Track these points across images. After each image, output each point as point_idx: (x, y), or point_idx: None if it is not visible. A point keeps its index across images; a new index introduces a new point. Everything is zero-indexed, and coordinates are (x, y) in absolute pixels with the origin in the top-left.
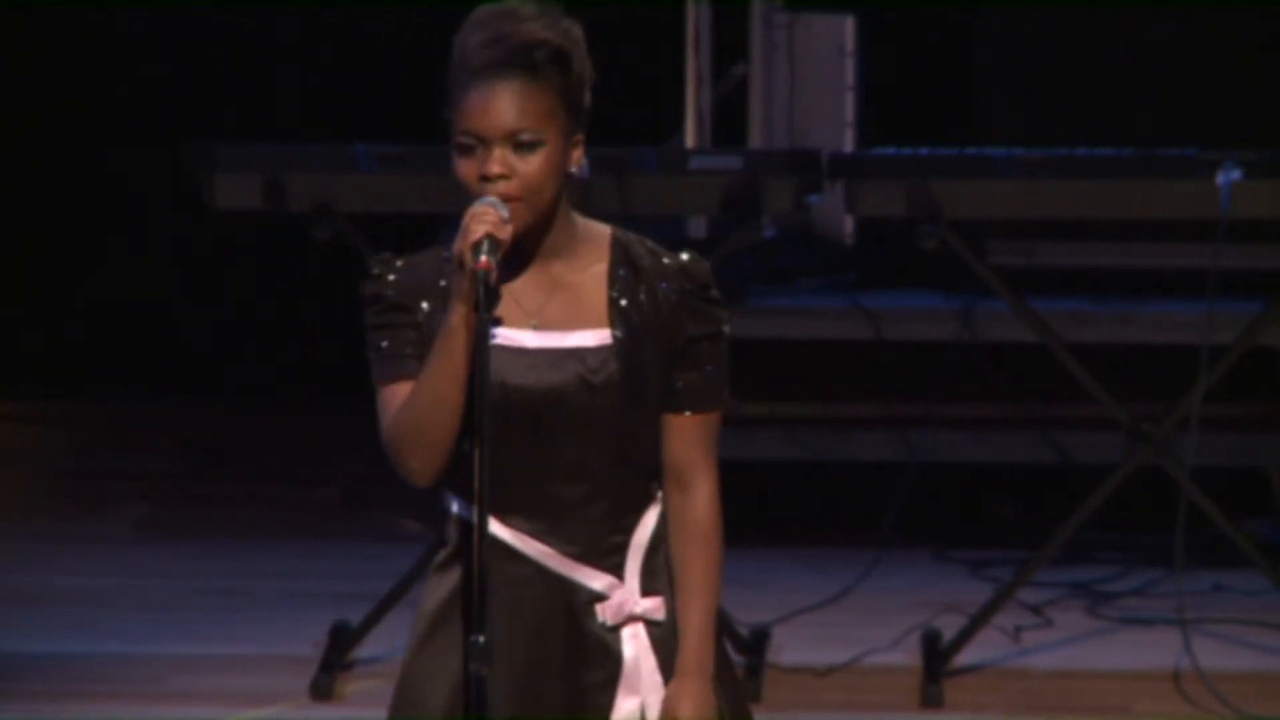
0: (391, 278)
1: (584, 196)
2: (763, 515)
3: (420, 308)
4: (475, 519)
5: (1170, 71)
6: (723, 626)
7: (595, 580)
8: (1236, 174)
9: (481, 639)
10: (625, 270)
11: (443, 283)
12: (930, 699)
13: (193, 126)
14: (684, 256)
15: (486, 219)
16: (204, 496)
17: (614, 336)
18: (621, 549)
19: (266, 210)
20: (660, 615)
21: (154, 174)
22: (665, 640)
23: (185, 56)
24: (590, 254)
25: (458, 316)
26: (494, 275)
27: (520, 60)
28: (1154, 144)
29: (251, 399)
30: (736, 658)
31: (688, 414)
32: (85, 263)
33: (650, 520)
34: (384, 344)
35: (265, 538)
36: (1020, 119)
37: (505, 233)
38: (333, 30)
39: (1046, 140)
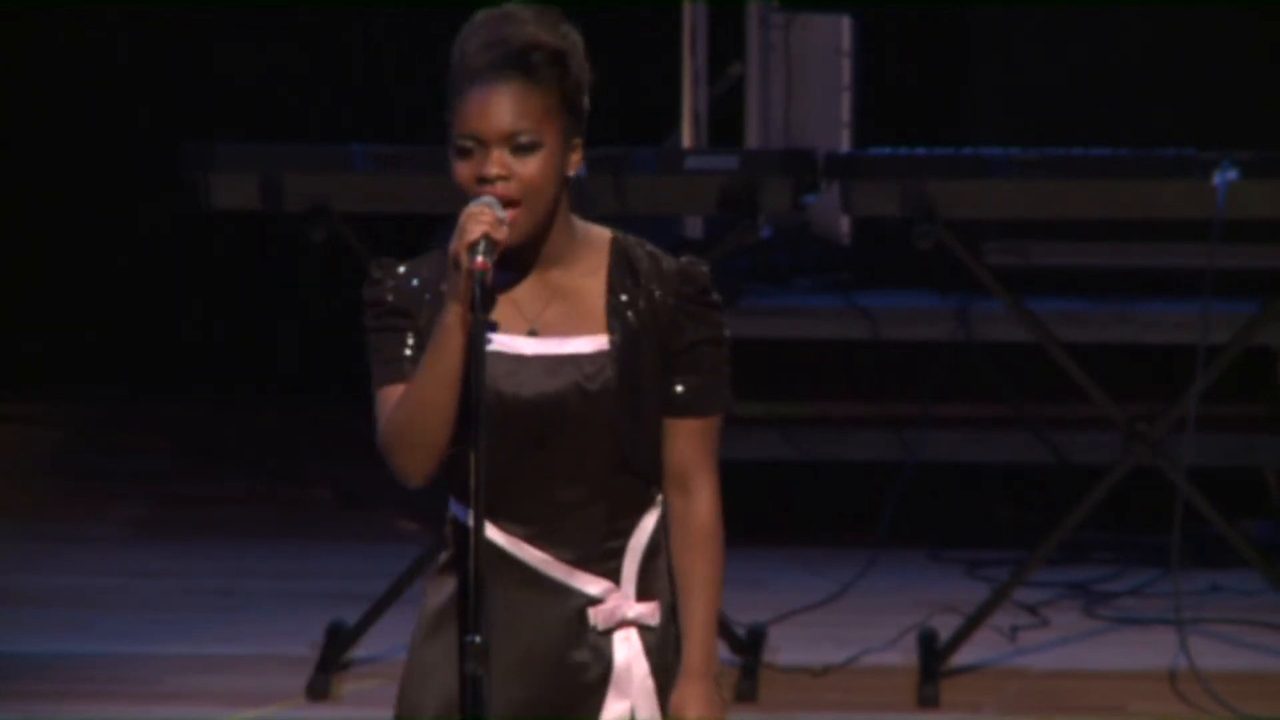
0: (392, 282)
1: (581, 196)
2: (759, 515)
3: (421, 312)
4: (471, 522)
5: (1167, 71)
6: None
7: (591, 585)
8: (1233, 174)
9: (478, 638)
10: (624, 275)
11: (443, 286)
12: (926, 699)
13: (189, 126)
14: (683, 260)
15: (483, 219)
16: (199, 497)
17: (611, 342)
18: (619, 553)
19: (263, 210)
20: (654, 621)
21: (151, 174)
22: (659, 647)
23: (183, 57)
24: (589, 259)
25: (453, 316)
26: (490, 275)
27: (518, 62)
28: (1150, 144)
29: (247, 399)
30: (733, 658)
31: (688, 418)
32: (83, 263)
33: (649, 524)
34: (383, 348)
35: (261, 538)
36: (1016, 119)
37: (502, 233)
38: (331, 30)
39: (1042, 140)
